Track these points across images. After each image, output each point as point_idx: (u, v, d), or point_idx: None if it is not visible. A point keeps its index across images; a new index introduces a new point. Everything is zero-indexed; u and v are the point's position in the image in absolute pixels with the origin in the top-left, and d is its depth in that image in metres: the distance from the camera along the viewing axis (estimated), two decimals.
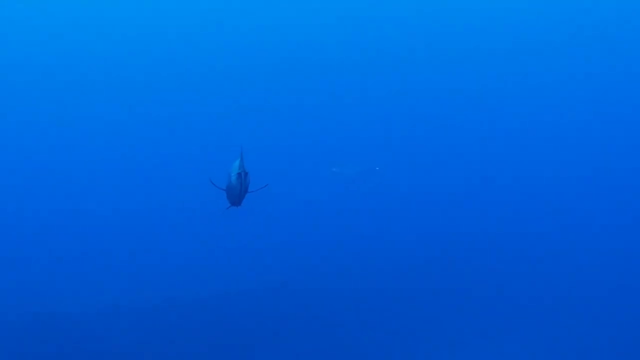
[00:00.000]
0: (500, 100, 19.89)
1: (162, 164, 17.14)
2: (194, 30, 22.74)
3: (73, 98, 19.47)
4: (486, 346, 9.97)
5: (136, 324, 10.34)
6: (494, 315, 10.76)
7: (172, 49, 22.11)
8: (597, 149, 17.30)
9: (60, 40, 21.31)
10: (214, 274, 11.99)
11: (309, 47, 22.20)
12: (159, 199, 15.35)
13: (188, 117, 19.52)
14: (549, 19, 22.52)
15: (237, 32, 22.77)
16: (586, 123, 18.53)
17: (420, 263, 12.46)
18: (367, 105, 19.83)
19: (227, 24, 22.83)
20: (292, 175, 14.92)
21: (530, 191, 15.69)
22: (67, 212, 14.64)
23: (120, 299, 11.02)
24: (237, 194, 5.45)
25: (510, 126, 18.74)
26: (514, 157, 17.24)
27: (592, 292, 11.26)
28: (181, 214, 14.44)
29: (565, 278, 11.84)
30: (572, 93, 20.00)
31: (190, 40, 22.47)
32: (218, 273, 12.06)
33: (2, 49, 20.73)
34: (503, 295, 11.34)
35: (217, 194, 5.76)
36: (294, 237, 13.40)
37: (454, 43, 21.83)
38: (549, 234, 13.61)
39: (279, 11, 23.10)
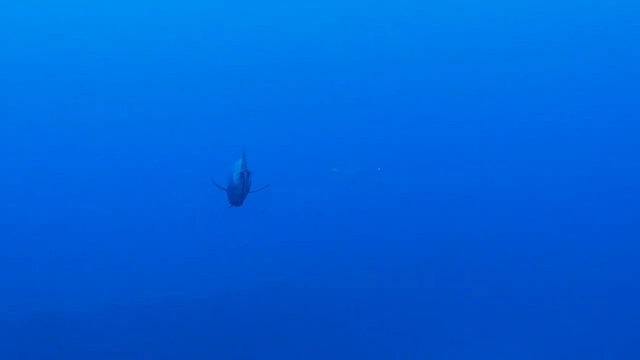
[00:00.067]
0: (500, 101, 19.89)
1: (161, 164, 17.13)
2: (194, 30, 22.74)
3: (73, 98, 19.47)
4: (486, 346, 9.97)
5: (136, 324, 10.34)
6: (494, 315, 10.76)
7: (171, 49, 22.11)
8: (597, 149, 17.30)
9: (60, 40, 21.31)
10: (214, 274, 11.99)
11: (310, 47, 22.21)
12: (159, 198, 15.34)
13: (188, 116, 19.51)
14: (549, 19, 22.53)
15: (236, 32, 22.77)
16: (586, 123, 18.54)
17: (420, 263, 12.45)
18: (368, 106, 19.82)
19: (227, 23, 22.84)
20: (292, 175, 14.92)
21: (530, 191, 15.69)
22: (67, 212, 14.64)
23: (120, 299, 11.02)
24: (239, 194, 5.45)
25: (510, 126, 18.73)
26: (514, 157, 17.24)
27: (592, 292, 11.26)
28: (181, 214, 14.44)
29: (565, 278, 11.84)
30: (572, 93, 20.00)
31: (190, 40, 22.47)
32: (218, 273, 12.06)
33: (2, 49, 20.73)
34: (503, 295, 11.34)
35: (218, 193, 5.76)
36: (294, 237, 13.40)
37: (454, 43, 21.83)
38: (549, 234, 13.61)
39: (280, 11, 23.11)
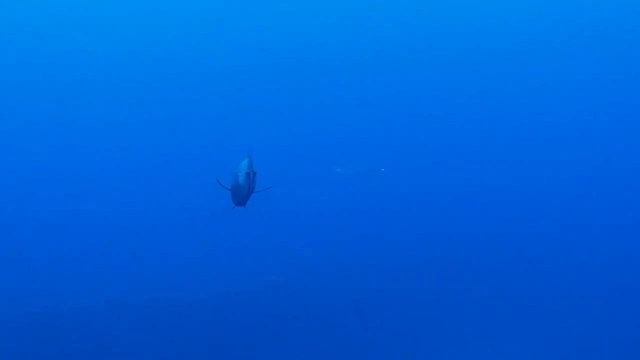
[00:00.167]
0: (500, 101, 19.89)
1: (163, 164, 17.13)
2: (197, 30, 22.73)
3: (74, 98, 19.46)
4: (486, 346, 9.97)
5: (136, 324, 10.34)
6: (494, 315, 10.76)
7: (173, 49, 22.10)
8: (597, 149, 17.30)
9: (60, 40, 21.30)
10: (214, 274, 11.99)
11: (313, 47, 22.19)
12: (160, 198, 15.34)
13: (190, 117, 19.51)
14: (549, 19, 22.53)
15: (237, 32, 22.76)
16: (586, 123, 18.54)
17: (420, 263, 12.45)
18: (371, 106, 19.81)
19: (229, 23, 22.83)
20: (294, 176, 14.90)
21: (531, 191, 15.69)
22: (68, 212, 14.64)
23: (120, 299, 11.02)
24: (244, 194, 5.44)
25: (510, 126, 18.73)
26: (514, 157, 17.24)
27: (592, 292, 11.26)
28: (182, 214, 14.44)
29: (565, 278, 11.84)
30: (572, 93, 20.00)
31: (192, 40, 22.46)
32: (218, 273, 12.06)
33: (2, 49, 20.73)
34: (503, 295, 11.34)
35: (219, 193, 5.75)
36: (294, 237, 13.40)
37: (455, 43, 21.83)
38: (549, 234, 13.60)
39: (283, 11, 23.10)
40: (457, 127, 18.54)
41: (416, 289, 11.52)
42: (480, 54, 21.40)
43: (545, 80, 20.39)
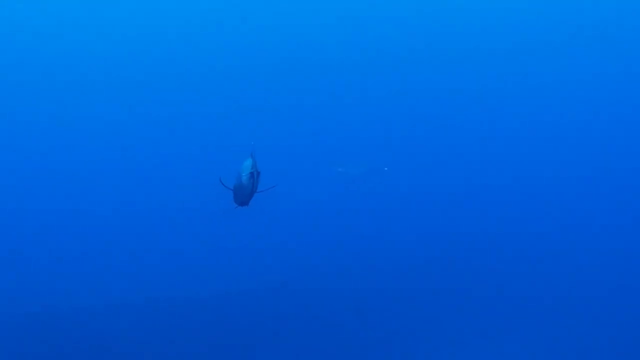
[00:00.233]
0: (501, 101, 19.87)
1: (163, 164, 17.11)
2: (197, 29, 22.71)
3: (76, 97, 19.43)
4: (486, 346, 9.98)
5: (136, 324, 10.34)
6: (494, 315, 10.77)
7: (173, 48, 22.07)
8: (597, 149, 17.29)
9: (60, 40, 21.29)
10: (214, 274, 11.98)
11: (314, 47, 22.16)
12: (160, 198, 15.33)
13: (191, 116, 19.48)
14: (549, 19, 22.53)
15: (238, 31, 22.74)
16: (586, 123, 18.53)
17: (420, 263, 12.45)
18: (372, 106, 19.78)
19: (230, 23, 22.81)
20: (295, 175, 14.86)
21: (531, 191, 15.68)
22: (68, 212, 14.63)
23: (120, 299, 11.02)
24: (247, 194, 5.43)
25: (511, 126, 18.72)
26: (515, 158, 17.23)
27: (592, 292, 11.26)
28: (182, 214, 14.43)
29: (565, 278, 11.84)
30: (572, 93, 19.99)
31: (192, 39, 22.44)
32: (218, 273, 12.06)
33: (2, 48, 20.71)
34: (503, 295, 11.34)
35: (220, 193, 5.75)
36: (295, 237, 13.39)
37: (455, 43, 21.82)
38: (549, 234, 13.60)
39: (283, 10, 23.08)
40: (459, 127, 18.52)
41: (416, 289, 11.52)
42: (481, 54, 21.39)
43: (545, 80, 20.38)
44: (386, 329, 10.44)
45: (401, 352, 9.96)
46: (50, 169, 16.56)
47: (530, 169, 16.62)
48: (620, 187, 15.49)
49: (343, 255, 12.78)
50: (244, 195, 5.49)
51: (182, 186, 15.26)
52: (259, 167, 5.43)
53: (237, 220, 10.25)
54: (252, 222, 12.20)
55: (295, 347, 9.92)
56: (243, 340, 10.01)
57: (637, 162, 16.47)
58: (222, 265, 12.36)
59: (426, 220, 14.33)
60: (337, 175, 15.68)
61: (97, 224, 14.22)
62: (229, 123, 18.65)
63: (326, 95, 20.35)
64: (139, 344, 9.74)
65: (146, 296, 11.16)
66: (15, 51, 20.79)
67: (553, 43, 21.76)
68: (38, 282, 11.65)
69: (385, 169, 15.65)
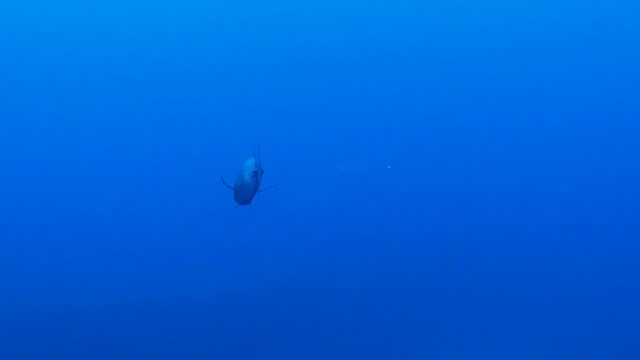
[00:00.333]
0: (502, 101, 19.86)
1: (164, 163, 17.11)
2: (197, 28, 22.69)
3: (77, 97, 19.42)
4: (486, 346, 9.97)
5: (136, 324, 10.34)
6: (494, 315, 10.76)
7: (174, 47, 22.06)
8: (597, 149, 17.29)
9: (59, 39, 21.28)
10: (214, 274, 11.98)
11: (315, 46, 22.14)
12: (160, 198, 15.33)
13: (191, 115, 19.47)
14: (549, 19, 22.53)
15: (238, 30, 22.72)
16: (586, 123, 18.53)
17: (420, 263, 12.45)
18: (373, 104, 19.76)
19: (230, 21, 22.80)
20: (296, 174, 14.84)
21: (531, 191, 15.68)
22: (69, 211, 14.63)
23: (120, 298, 11.02)
24: (250, 193, 5.41)
25: (512, 126, 18.71)
26: (515, 158, 17.23)
27: (592, 292, 11.26)
28: (182, 214, 14.42)
29: (565, 278, 11.84)
30: (572, 93, 19.99)
31: (191, 38, 22.42)
32: (218, 273, 12.05)
33: (2, 48, 20.71)
34: (503, 295, 11.34)
35: (222, 192, 5.72)
36: (295, 236, 13.39)
37: (456, 43, 21.81)
38: (549, 234, 13.60)
39: (284, 9, 23.06)
40: (460, 126, 18.51)
41: (416, 289, 11.52)
42: (482, 53, 21.38)
43: (545, 80, 20.38)
44: (386, 329, 10.43)
45: (401, 352, 9.95)
46: (50, 168, 16.57)
47: (531, 168, 16.63)
48: (620, 187, 15.50)
49: (343, 254, 12.77)
50: (246, 194, 5.47)
51: (183, 185, 15.26)
52: (262, 165, 5.42)
53: (238, 219, 10.24)
54: (253, 221, 12.18)
55: (295, 347, 9.92)
56: (243, 340, 10.01)
57: (637, 162, 16.47)
58: (222, 265, 12.36)
59: (426, 220, 14.33)
60: (339, 174, 15.67)
61: (97, 223, 14.22)
62: (229, 122, 18.64)
63: (327, 94, 20.34)
64: (138, 344, 9.74)
65: (146, 296, 11.16)
66: (15, 51, 20.79)
67: (553, 43, 21.76)
68: (38, 281, 11.66)
69: (389, 167, 15.63)
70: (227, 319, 10.58)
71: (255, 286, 11.59)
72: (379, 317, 10.68)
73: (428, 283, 11.69)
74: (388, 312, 10.86)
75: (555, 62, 21.01)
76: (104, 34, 21.55)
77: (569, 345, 10.02)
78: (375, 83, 20.41)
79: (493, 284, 11.61)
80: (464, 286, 11.60)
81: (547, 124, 18.77)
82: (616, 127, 18.38)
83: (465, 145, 17.67)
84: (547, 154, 17.28)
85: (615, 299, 11.15)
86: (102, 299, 10.99)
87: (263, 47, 21.88)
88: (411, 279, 11.85)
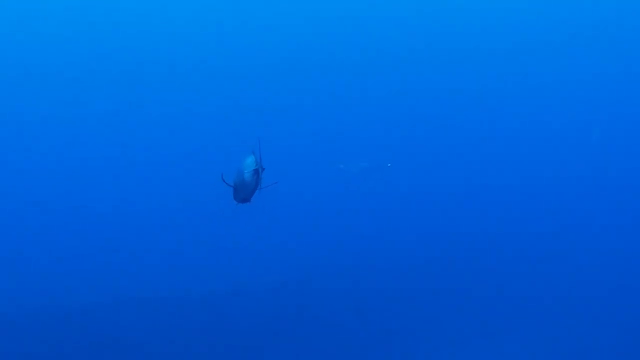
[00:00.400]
0: (502, 99, 19.85)
1: (164, 162, 17.10)
2: (198, 26, 22.69)
3: (75, 95, 19.42)
4: (486, 346, 9.97)
5: (135, 323, 10.34)
6: (494, 315, 10.76)
7: (173, 45, 22.05)
8: (597, 149, 17.29)
9: (59, 38, 21.27)
10: (215, 273, 11.97)
11: (315, 44, 22.13)
12: (160, 196, 15.33)
13: (191, 114, 19.46)
14: (549, 19, 22.53)
15: (238, 28, 22.72)
16: (586, 123, 18.53)
17: (420, 263, 12.45)
18: (374, 103, 19.75)
19: (229, 19, 22.79)
20: (296, 172, 14.82)
21: (531, 191, 15.68)
22: (69, 210, 14.63)
23: (120, 298, 11.01)
24: (250, 191, 5.40)
25: (512, 125, 18.71)
26: (515, 157, 17.22)
27: (592, 292, 11.26)
28: (182, 213, 14.42)
29: (565, 278, 11.84)
30: (573, 93, 19.99)
31: (191, 36, 22.41)
32: (218, 271, 12.05)
33: (2, 48, 20.70)
34: (503, 295, 11.34)
35: (221, 191, 5.72)
36: (294, 236, 13.38)
37: (457, 42, 21.80)
38: (549, 234, 13.61)
39: (284, 6, 23.05)
40: (460, 125, 18.49)
41: (416, 289, 11.52)
42: (482, 52, 21.36)
43: (545, 79, 20.37)
44: (386, 328, 10.43)
45: (401, 352, 9.95)
46: (50, 167, 16.58)
47: (532, 168, 16.62)
48: (620, 187, 15.50)
49: (343, 252, 12.76)
50: (246, 192, 5.46)
51: (182, 184, 15.26)
52: (262, 163, 5.41)
53: (237, 218, 10.24)
54: (253, 219, 12.17)
55: (295, 347, 9.91)
56: (242, 339, 10.00)
57: (637, 162, 16.47)
58: (221, 263, 12.35)
59: (427, 218, 14.32)
60: (339, 172, 15.65)
61: (96, 221, 14.21)
62: (229, 120, 18.64)
63: (327, 92, 20.32)
64: (137, 343, 9.74)
65: (145, 296, 11.15)
66: (14, 50, 20.79)
67: (553, 43, 21.76)
68: (38, 280, 11.65)
69: (389, 164, 15.61)
70: (226, 317, 10.59)
71: (256, 286, 11.59)
72: (379, 317, 10.68)
73: (428, 282, 11.68)
74: (388, 312, 10.86)
75: (556, 62, 21.01)
76: (103, 32, 21.54)
77: (569, 345, 10.02)
78: (375, 81, 20.39)
79: (493, 284, 11.61)
80: (464, 286, 11.60)
81: (548, 123, 18.77)
82: (616, 127, 18.38)
83: (466, 144, 17.66)
84: (548, 152, 17.28)
85: (615, 299, 11.15)
86: (102, 297, 10.98)
87: (263, 45, 21.86)
88: (411, 278, 11.84)
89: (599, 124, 18.34)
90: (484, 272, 12.06)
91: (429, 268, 12.24)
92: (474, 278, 11.84)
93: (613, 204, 14.75)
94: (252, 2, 22.83)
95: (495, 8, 22.79)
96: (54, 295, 11.04)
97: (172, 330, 10.16)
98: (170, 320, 10.48)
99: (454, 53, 21.34)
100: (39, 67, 20.40)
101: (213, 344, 9.87)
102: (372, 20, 22.35)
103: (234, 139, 14.70)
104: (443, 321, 10.61)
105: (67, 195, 15.26)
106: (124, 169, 16.61)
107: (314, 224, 14.04)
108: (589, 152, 17.10)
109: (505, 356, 9.79)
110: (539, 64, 20.97)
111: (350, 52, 21.52)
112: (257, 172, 5.37)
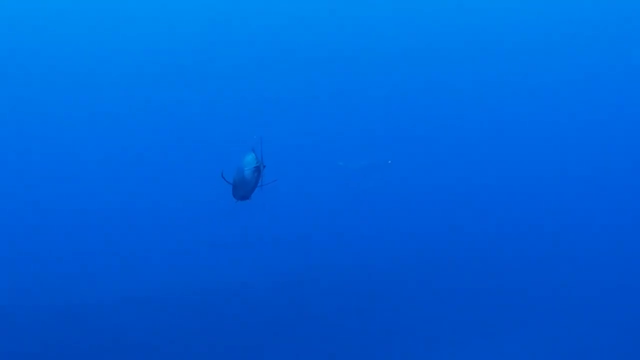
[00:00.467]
0: (503, 97, 19.84)
1: (165, 160, 17.10)
2: (198, 23, 22.70)
3: (74, 93, 19.43)
4: (486, 346, 9.97)
5: (135, 323, 10.33)
6: (494, 315, 10.76)
7: (173, 43, 22.05)
8: (597, 149, 17.30)
9: (59, 37, 21.29)
10: (214, 273, 11.97)
11: (315, 41, 22.13)
12: (160, 194, 15.33)
13: (191, 111, 19.46)
14: (549, 19, 22.54)
15: (241, 25, 22.72)
16: (587, 123, 18.54)
17: (421, 261, 12.44)
18: (375, 100, 19.74)
19: (230, 17, 22.80)
20: (295, 170, 14.80)
21: (531, 191, 15.68)
22: (70, 209, 14.62)
23: (119, 297, 11.01)
24: (250, 188, 5.40)
25: (513, 123, 18.70)
26: (516, 154, 17.22)
27: (592, 292, 11.26)
28: (181, 210, 14.42)
29: (565, 278, 11.84)
30: (572, 93, 20.00)
31: (192, 33, 22.42)
32: (218, 272, 12.04)
33: (2, 47, 20.71)
34: (503, 295, 11.33)
35: (221, 188, 5.72)
36: (294, 233, 13.37)
37: (458, 41, 21.81)
38: (549, 234, 13.61)
39: (285, 3, 23.05)
40: (461, 122, 18.48)
41: (416, 289, 11.52)
42: (482, 49, 21.35)
43: (546, 79, 20.37)
44: (386, 329, 10.43)
45: (401, 352, 9.95)
46: (50, 166, 16.58)
47: (533, 168, 16.61)
48: (621, 187, 15.50)
49: (343, 250, 12.76)
50: (246, 190, 5.46)
51: (182, 183, 15.26)
52: (263, 161, 5.41)
53: (237, 215, 10.25)
54: (253, 217, 12.16)
55: (294, 347, 9.91)
56: (241, 338, 10.00)
57: (637, 162, 16.48)
58: (221, 261, 12.34)
59: (427, 217, 14.32)
60: (339, 170, 15.63)
61: (95, 219, 14.20)
62: (229, 118, 18.64)
63: (327, 89, 20.31)
64: (136, 343, 9.74)
65: (144, 296, 11.14)
66: (14, 50, 20.80)
67: (553, 43, 21.77)
68: (38, 280, 11.65)
69: (389, 162, 15.59)
70: (225, 315, 10.58)
71: (256, 286, 11.58)
72: (379, 315, 10.67)
73: (428, 280, 11.68)
74: (388, 309, 10.85)
75: (556, 62, 21.02)
76: (103, 32, 21.55)
77: (569, 345, 10.01)
78: (376, 78, 20.37)
79: (493, 284, 11.61)
80: (464, 286, 11.60)
81: (550, 118, 18.76)
82: (616, 127, 18.39)
83: (467, 141, 17.64)
84: (549, 149, 17.28)
85: (616, 299, 11.15)
86: (100, 297, 10.98)
87: (263, 42, 21.86)
88: (412, 276, 11.84)
89: (600, 123, 18.37)
90: (484, 272, 12.06)
91: (430, 266, 12.23)
92: (474, 278, 11.84)
93: (613, 204, 14.76)
94: (252, 1, 22.86)
95: (495, 7, 22.81)
96: (54, 295, 11.04)
97: (171, 329, 10.16)
98: (170, 318, 10.47)
99: (454, 50, 21.32)
100: (39, 66, 20.42)
101: (212, 342, 9.86)
102: (372, 19, 22.36)
103: (234, 136, 14.72)
104: (443, 321, 10.60)
105: (66, 191, 15.27)
106: (123, 167, 16.61)
107: (313, 221, 14.04)
108: (589, 152, 17.11)
109: (505, 356, 9.79)
110: (538, 62, 20.97)
111: (350, 50, 21.51)
112: (258, 170, 5.36)
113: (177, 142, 17.98)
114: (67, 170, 16.36)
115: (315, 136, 18.06)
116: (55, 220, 14.11)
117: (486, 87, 20.08)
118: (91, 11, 21.58)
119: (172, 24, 22.17)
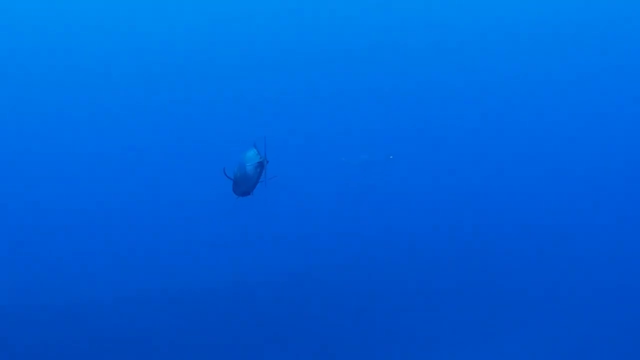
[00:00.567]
0: (503, 94, 19.84)
1: (165, 158, 17.10)
2: (198, 22, 22.71)
3: (74, 91, 19.44)
4: (486, 346, 9.97)
5: (135, 323, 10.33)
6: (494, 315, 10.76)
7: (173, 41, 22.05)
8: (597, 149, 17.32)
9: (59, 37, 21.30)
10: (215, 273, 11.97)
11: (316, 39, 22.14)
12: (160, 192, 15.33)
13: (192, 108, 19.46)
14: (549, 19, 22.56)
15: (242, 24, 22.73)
16: (587, 123, 18.56)
17: (421, 258, 12.45)
18: (377, 97, 19.73)
19: (230, 15, 22.80)
20: (297, 166, 14.79)
21: (531, 191, 15.69)
22: (71, 208, 14.63)
23: (119, 296, 11.01)
24: (252, 184, 5.39)
25: (514, 120, 18.72)
26: (517, 152, 17.23)
27: (592, 292, 11.27)
28: (181, 208, 14.42)
29: (565, 278, 11.85)
30: (573, 93, 20.02)
31: (191, 32, 22.42)
32: (218, 272, 12.04)
33: (2, 47, 20.72)
34: (503, 295, 11.33)
35: (223, 185, 5.71)
36: (295, 229, 13.37)
37: (459, 41, 21.81)
38: (549, 234, 13.61)
39: (287, 3, 23.06)
40: (463, 119, 18.47)
41: (416, 288, 11.51)
42: (482, 47, 21.36)
43: (547, 79, 20.38)
44: (386, 328, 10.42)
45: (401, 352, 9.94)
46: (50, 165, 16.59)
47: (534, 168, 16.62)
48: (621, 187, 15.51)
49: (344, 246, 12.75)
50: (247, 185, 5.45)
51: (182, 181, 15.27)
52: (266, 157, 5.40)
53: (239, 211, 10.24)
54: (253, 213, 12.14)
55: (294, 347, 9.91)
56: (243, 336, 9.99)
57: (637, 162, 16.50)
58: (222, 264, 12.34)
59: (429, 213, 14.31)
60: (341, 165, 15.61)
61: (96, 216, 14.21)
62: (229, 116, 18.65)
63: (329, 85, 20.31)
64: (136, 342, 9.73)
65: (144, 296, 11.14)
66: (14, 50, 20.81)
67: (553, 43, 21.78)
68: (38, 280, 11.65)
69: (391, 157, 15.57)
70: (226, 313, 10.57)
71: (256, 285, 11.58)
72: (379, 313, 10.67)
73: (429, 278, 11.68)
74: (389, 307, 10.85)
75: (556, 62, 21.04)
76: (103, 31, 21.56)
77: (569, 345, 10.01)
78: (377, 75, 20.37)
79: (493, 284, 11.61)
80: (464, 286, 11.60)
81: (549, 117, 18.77)
82: (617, 127, 18.41)
83: (468, 138, 17.64)
84: (549, 150, 17.29)
85: (615, 299, 11.16)
86: (99, 296, 10.98)
87: (264, 40, 21.86)
88: (413, 274, 11.84)
89: (600, 123, 18.38)
90: (484, 271, 12.06)
91: (430, 263, 12.24)
92: (474, 278, 11.84)
93: (613, 204, 14.77)
94: (252, 1, 22.87)
95: (495, 7, 22.82)
96: (54, 295, 11.03)
97: (171, 328, 10.16)
98: (169, 318, 10.47)
99: (454, 48, 21.33)
100: (39, 66, 20.42)
101: (212, 341, 9.86)
102: (372, 17, 22.37)
103: (234, 135, 14.74)
104: (443, 321, 10.60)
105: (66, 190, 15.28)
106: (123, 167, 16.62)
107: (315, 217, 14.03)
108: (589, 152, 17.12)
109: (505, 356, 9.79)
110: (538, 60, 20.99)
111: (351, 47, 21.51)
112: (261, 165, 5.35)
113: (177, 141, 17.98)
114: (67, 169, 16.37)
115: (317, 131, 18.06)
116: (55, 220, 14.11)
117: (487, 84, 20.08)
118: (91, 11, 21.58)
119: (172, 24, 22.18)
